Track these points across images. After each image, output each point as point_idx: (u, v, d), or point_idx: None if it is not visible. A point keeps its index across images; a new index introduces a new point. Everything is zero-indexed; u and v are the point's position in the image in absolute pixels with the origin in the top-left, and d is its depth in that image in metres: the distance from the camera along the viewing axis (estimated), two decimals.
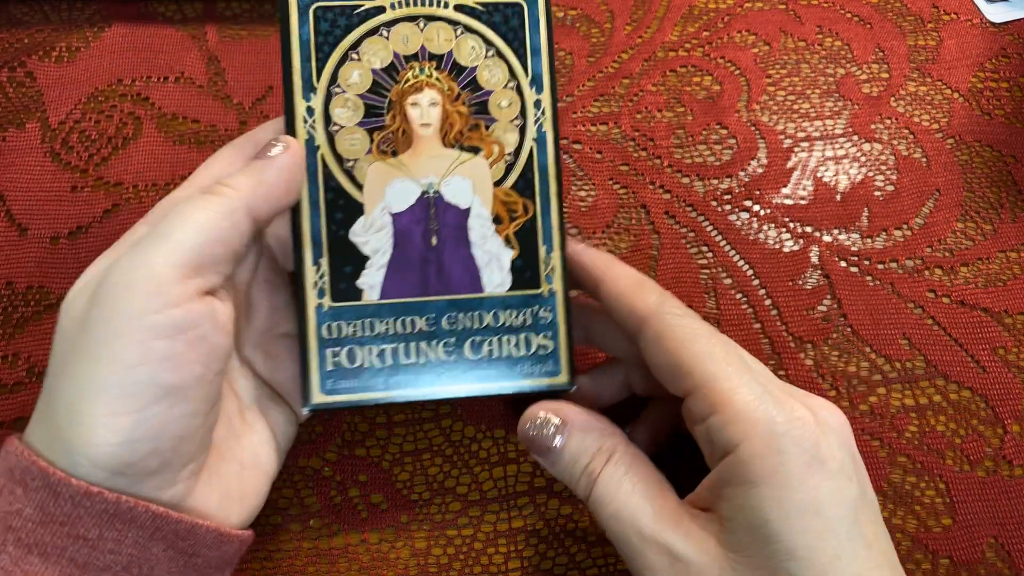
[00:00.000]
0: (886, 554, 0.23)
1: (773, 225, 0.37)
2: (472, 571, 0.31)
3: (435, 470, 0.32)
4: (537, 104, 0.29)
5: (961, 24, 0.43)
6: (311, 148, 0.27)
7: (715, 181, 0.38)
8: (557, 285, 0.28)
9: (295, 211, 0.27)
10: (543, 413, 0.27)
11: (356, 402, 0.27)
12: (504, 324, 0.28)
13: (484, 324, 0.28)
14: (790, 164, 0.39)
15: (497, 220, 0.28)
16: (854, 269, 0.37)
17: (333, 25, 0.28)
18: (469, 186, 0.28)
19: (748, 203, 0.38)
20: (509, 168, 0.28)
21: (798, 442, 0.23)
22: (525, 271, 0.28)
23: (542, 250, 0.28)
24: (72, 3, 0.41)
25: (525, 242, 0.28)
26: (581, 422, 0.27)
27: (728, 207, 0.38)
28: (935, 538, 0.32)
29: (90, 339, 0.22)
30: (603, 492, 0.25)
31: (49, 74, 0.39)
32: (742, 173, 0.39)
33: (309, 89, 0.27)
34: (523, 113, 0.29)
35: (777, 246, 0.37)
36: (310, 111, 0.27)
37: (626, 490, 0.25)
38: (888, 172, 0.39)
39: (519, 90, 0.29)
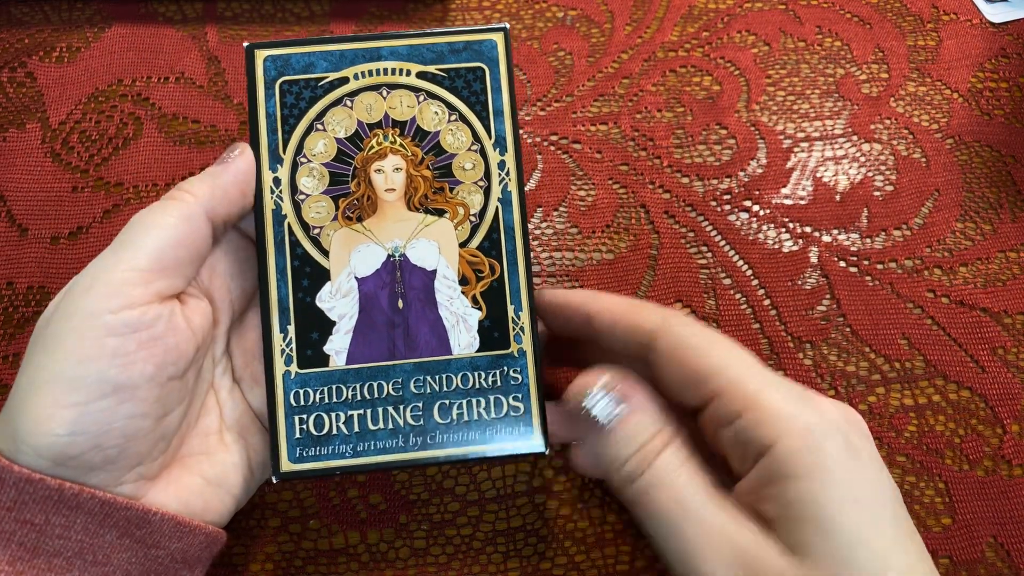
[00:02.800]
0: (922, 544, 0.23)
1: (772, 225, 0.37)
2: (471, 571, 0.31)
3: (433, 470, 0.32)
4: (501, 165, 0.29)
5: (961, 24, 0.43)
6: (278, 217, 0.28)
7: (715, 181, 0.38)
8: (527, 345, 0.28)
9: (263, 279, 0.28)
10: (604, 379, 0.25)
11: (324, 470, 0.27)
12: (473, 386, 0.28)
13: (453, 387, 0.28)
14: (790, 164, 0.39)
15: (464, 281, 0.28)
16: (853, 269, 0.37)
17: (298, 98, 0.29)
18: (435, 248, 0.28)
19: (748, 203, 0.38)
20: (474, 229, 0.29)
21: (833, 436, 0.23)
22: (493, 331, 0.28)
23: (510, 309, 0.28)
24: (72, 3, 0.41)
25: (492, 302, 0.28)
26: (640, 398, 0.25)
27: (728, 207, 0.38)
28: (934, 538, 0.32)
29: (47, 334, 0.24)
30: (660, 476, 0.24)
31: (49, 74, 0.39)
32: (742, 173, 0.39)
33: (276, 160, 0.28)
34: (487, 175, 0.29)
35: (776, 246, 0.37)
36: (276, 181, 0.28)
37: (685, 478, 0.24)
38: (887, 172, 0.39)
39: (483, 152, 0.29)
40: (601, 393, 0.25)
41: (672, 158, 0.39)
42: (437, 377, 0.28)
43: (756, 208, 0.38)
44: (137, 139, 0.38)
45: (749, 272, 0.36)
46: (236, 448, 0.28)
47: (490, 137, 0.29)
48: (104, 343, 0.23)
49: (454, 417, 0.27)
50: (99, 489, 0.23)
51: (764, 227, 0.37)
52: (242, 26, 0.41)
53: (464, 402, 0.27)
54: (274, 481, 0.27)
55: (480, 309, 0.28)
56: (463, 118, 0.29)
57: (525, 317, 0.28)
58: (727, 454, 0.25)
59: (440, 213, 0.29)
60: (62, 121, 0.38)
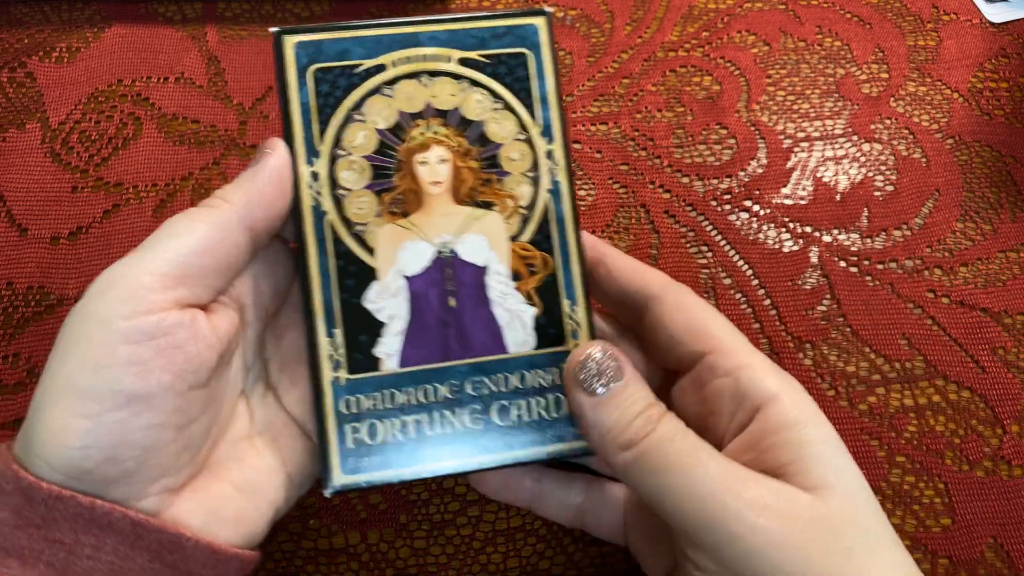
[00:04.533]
0: None
1: (773, 225, 0.37)
2: (471, 570, 0.31)
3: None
4: (549, 154, 0.28)
5: (961, 24, 0.43)
6: (318, 214, 0.26)
7: (715, 181, 0.38)
8: (584, 340, 0.27)
9: (304, 280, 0.26)
10: (600, 351, 0.25)
11: (381, 481, 0.25)
12: (532, 385, 0.26)
13: (511, 387, 0.26)
14: (790, 164, 0.39)
15: (516, 276, 0.27)
16: (854, 269, 0.37)
17: (333, 86, 0.27)
18: (485, 243, 0.27)
19: (748, 203, 0.38)
20: (525, 221, 0.27)
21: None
22: (549, 328, 0.27)
23: (565, 304, 0.27)
24: (72, 3, 0.41)
25: (547, 298, 0.27)
26: (633, 370, 0.25)
27: (728, 207, 0.38)
28: (934, 538, 0.32)
29: (61, 340, 0.22)
30: (668, 433, 0.23)
31: (49, 74, 0.39)
32: (742, 173, 0.39)
33: (312, 153, 0.26)
34: (535, 165, 0.27)
35: (777, 246, 0.37)
36: (314, 176, 0.26)
37: (693, 437, 0.24)
38: (888, 172, 0.39)
39: (530, 141, 0.28)
40: (596, 366, 0.25)
41: (672, 158, 0.39)
42: (494, 377, 0.26)
43: (756, 208, 0.38)
44: (137, 139, 0.38)
45: (749, 272, 0.36)
46: (268, 453, 0.26)
47: (536, 125, 0.28)
48: (117, 350, 0.22)
49: (514, 419, 0.26)
50: (121, 504, 0.22)
51: (764, 227, 0.37)
52: (242, 26, 0.41)
53: (523, 402, 0.26)
54: (327, 495, 0.25)
55: (535, 305, 0.27)
56: (508, 106, 0.28)
57: (581, 312, 0.27)
58: (713, 411, 0.25)
59: (488, 206, 0.27)
60: (62, 121, 0.38)
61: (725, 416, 0.25)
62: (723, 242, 0.37)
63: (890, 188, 0.39)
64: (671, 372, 0.28)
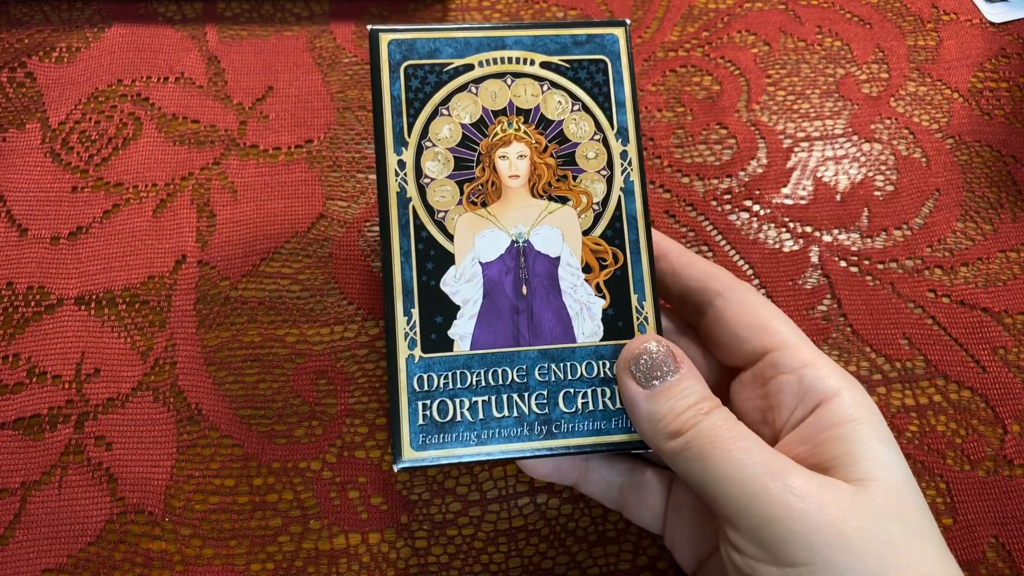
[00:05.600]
0: None
1: (773, 225, 0.37)
2: (472, 570, 0.31)
3: (434, 471, 0.32)
4: (624, 155, 0.29)
5: (961, 24, 0.43)
6: (402, 200, 0.28)
7: (715, 181, 0.38)
8: (651, 335, 0.28)
9: (386, 261, 0.27)
10: (656, 345, 0.26)
11: (448, 459, 0.26)
12: (597, 375, 0.27)
13: (577, 375, 0.27)
14: (790, 164, 0.39)
15: (587, 269, 0.28)
16: (854, 269, 0.37)
17: (423, 82, 0.29)
18: (558, 235, 0.28)
19: (748, 203, 0.38)
20: (597, 217, 0.28)
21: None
22: (617, 320, 0.28)
23: (634, 299, 0.28)
24: (72, 3, 0.41)
25: (616, 291, 0.28)
26: (689, 364, 0.26)
27: (728, 207, 0.38)
28: None
29: None
30: (714, 427, 0.24)
31: (49, 74, 0.39)
32: (742, 173, 0.39)
33: (400, 143, 0.28)
34: (610, 164, 0.29)
35: (777, 246, 0.37)
36: (401, 164, 0.28)
37: (743, 427, 0.24)
38: (888, 172, 0.39)
39: (605, 142, 0.29)
40: (650, 359, 0.26)
41: (672, 158, 0.39)
42: (562, 365, 0.27)
43: (756, 208, 0.38)
44: (137, 139, 0.38)
45: (750, 272, 0.36)
46: None
47: (612, 127, 0.29)
48: None
49: (579, 406, 0.27)
50: None
51: (765, 227, 0.37)
52: (242, 26, 0.41)
53: (589, 391, 0.27)
54: (395, 470, 0.26)
55: (604, 298, 0.28)
56: (586, 108, 0.29)
57: (649, 307, 0.28)
58: (773, 405, 0.26)
59: (563, 200, 0.28)
60: (62, 121, 0.38)
61: (785, 411, 0.26)
62: (723, 242, 0.37)
63: (890, 188, 0.39)
64: (730, 368, 0.29)
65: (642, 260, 0.28)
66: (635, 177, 0.29)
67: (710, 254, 0.37)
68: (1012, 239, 0.37)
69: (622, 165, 0.29)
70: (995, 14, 0.44)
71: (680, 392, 0.25)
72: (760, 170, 0.39)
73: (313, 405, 0.33)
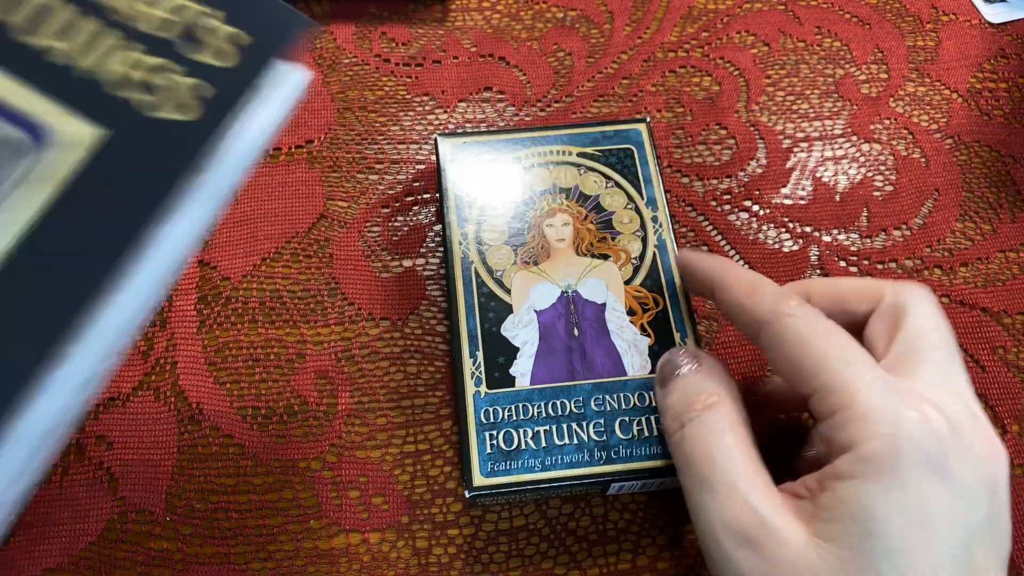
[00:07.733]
0: None
1: (773, 225, 0.38)
2: (473, 570, 0.31)
3: (436, 471, 0.32)
4: (654, 219, 0.34)
5: (960, 25, 0.43)
6: (465, 264, 0.32)
7: (715, 181, 0.38)
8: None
9: (453, 313, 0.31)
10: (679, 351, 0.29)
11: (515, 484, 0.28)
12: (649, 404, 0.30)
13: (630, 405, 0.30)
14: (789, 164, 0.39)
15: (631, 312, 0.32)
16: (853, 269, 0.37)
17: (479, 170, 0.35)
18: (603, 285, 0.32)
19: (748, 203, 0.38)
20: (636, 270, 0.33)
21: (922, 448, 0.22)
22: (663, 355, 0.30)
23: (676, 336, 0.31)
24: None
25: (659, 330, 0.31)
26: (710, 363, 0.28)
27: (728, 207, 0.38)
28: None
29: None
30: (702, 429, 0.25)
31: None
32: (741, 173, 0.39)
33: (463, 220, 0.33)
34: (643, 227, 0.34)
35: (777, 246, 0.37)
36: (464, 235, 0.33)
37: (728, 440, 0.25)
38: (887, 172, 0.39)
39: (637, 210, 0.34)
40: (677, 355, 0.29)
41: (672, 158, 0.39)
42: (615, 395, 0.30)
43: (756, 208, 0.38)
44: None
45: None
46: None
47: (642, 198, 0.34)
48: None
49: (635, 433, 0.29)
50: None
51: (764, 227, 0.37)
52: None
53: (643, 419, 0.29)
54: (467, 496, 0.28)
55: (649, 336, 0.31)
56: (618, 184, 0.34)
57: (691, 342, 0.31)
58: (822, 446, 0.25)
59: (605, 257, 0.33)
60: None
61: (826, 454, 0.24)
62: (723, 242, 0.37)
63: (889, 188, 0.39)
64: None
65: (680, 304, 0.32)
66: (667, 236, 0.33)
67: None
68: (1011, 239, 0.38)
69: (654, 227, 0.34)
70: (994, 14, 0.44)
71: (690, 385, 0.27)
72: (759, 170, 0.39)
73: (313, 405, 0.33)
